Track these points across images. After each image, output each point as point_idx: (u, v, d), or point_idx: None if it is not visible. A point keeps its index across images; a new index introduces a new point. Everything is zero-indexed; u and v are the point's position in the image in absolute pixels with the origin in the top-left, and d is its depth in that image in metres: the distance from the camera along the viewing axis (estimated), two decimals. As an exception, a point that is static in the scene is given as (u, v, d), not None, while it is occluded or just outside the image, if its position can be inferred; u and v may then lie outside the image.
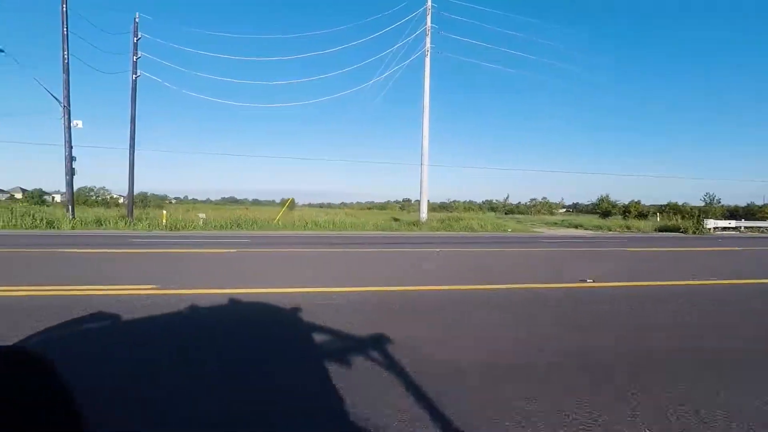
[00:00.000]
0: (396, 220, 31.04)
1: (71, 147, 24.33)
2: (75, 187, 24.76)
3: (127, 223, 22.18)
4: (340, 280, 6.78)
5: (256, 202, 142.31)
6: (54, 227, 20.86)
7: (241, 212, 35.19)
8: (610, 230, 27.54)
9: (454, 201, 73.35)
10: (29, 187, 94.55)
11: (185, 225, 22.73)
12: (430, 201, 31.88)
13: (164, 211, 23.58)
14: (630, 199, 50.65)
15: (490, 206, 77.94)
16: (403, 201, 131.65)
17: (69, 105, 24.59)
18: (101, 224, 22.03)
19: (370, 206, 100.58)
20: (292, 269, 8.20)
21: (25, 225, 20.51)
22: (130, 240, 13.96)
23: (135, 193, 26.24)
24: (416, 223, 27.25)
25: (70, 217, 23.13)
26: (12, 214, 21.41)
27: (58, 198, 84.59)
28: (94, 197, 78.86)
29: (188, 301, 5.13)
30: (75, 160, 24.59)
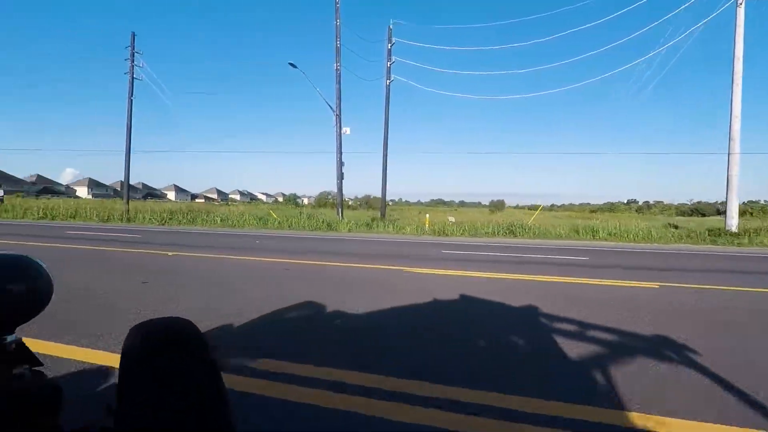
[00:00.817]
0: (674, 227, 22.87)
1: (341, 153, 24.76)
2: (316, 192, 25.43)
3: (396, 227, 21.01)
4: None
5: (462, 204, 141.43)
6: (333, 229, 21.09)
7: (464, 214, 32.54)
8: None
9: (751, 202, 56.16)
10: (287, 192, 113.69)
11: (444, 230, 20.35)
12: (673, 203, 22.44)
13: (427, 215, 21.79)
14: None
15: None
16: (628, 201, 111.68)
17: (340, 113, 25.17)
18: (370, 227, 21.47)
19: (593, 209, 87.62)
20: None
21: (310, 226, 21.25)
22: (439, 250, 11.61)
23: (359, 197, 26.06)
24: (722, 233, 18.37)
25: (340, 219, 23.43)
26: (300, 216, 22.64)
27: (305, 201, 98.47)
28: (331, 200, 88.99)
29: None
30: (344, 165, 25.01)
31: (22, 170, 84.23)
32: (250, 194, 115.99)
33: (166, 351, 1.15)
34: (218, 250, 10.24)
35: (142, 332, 1.21)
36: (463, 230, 19.94)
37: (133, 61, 28.37)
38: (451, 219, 27.96)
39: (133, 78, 28.20)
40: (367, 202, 78.15)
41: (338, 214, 24.71)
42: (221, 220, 22.60)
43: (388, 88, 26.92)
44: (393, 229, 20.58)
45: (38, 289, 1.30)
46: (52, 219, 24.53)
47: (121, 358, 1.20)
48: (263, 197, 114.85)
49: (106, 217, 24.30)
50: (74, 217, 24.69)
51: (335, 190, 25.91)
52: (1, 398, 1.09)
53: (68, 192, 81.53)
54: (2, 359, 1.19)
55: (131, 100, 27.96)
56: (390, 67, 27.07)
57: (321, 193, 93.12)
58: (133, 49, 28.53)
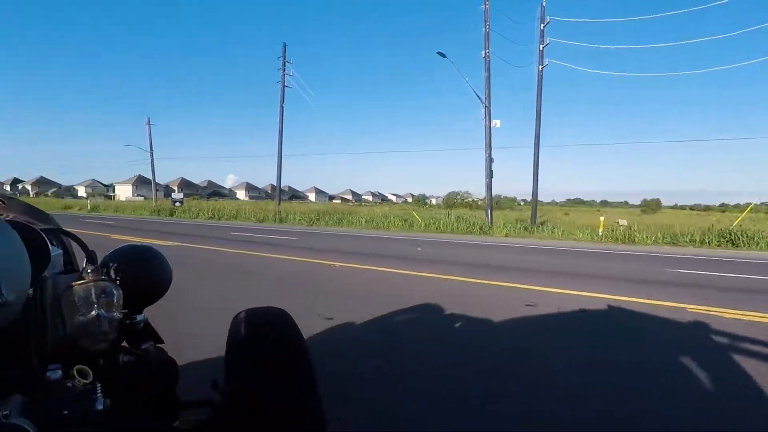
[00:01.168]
0: None
1: (491, 148, 22.12)
2: (443, 192, 22.87)
3: (562, 232, 17.61)
4: None
5: (605, 204, 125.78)
6: (485, 233, 18.65)
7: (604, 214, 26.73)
8: None
9: None
10: (415, 192, 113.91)
11: (630, 236, 16.28)
12: None
13: (602, 218, 17.95)
14: None
15: None
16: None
17: (490, 104, 22.56)
18: (529, 231, 18.45)
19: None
20: None
21: (460, 230, 19.12)
22: (661, 267, 8.38)
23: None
24: None
25: (489, 222, 20.83)
26: (448, 218, 20.66)
27: (434, 201, 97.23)
28: (459, 200, 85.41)
29: None
30: (493, 162, 22.33)
31: (197, 176, 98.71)
32: (381, 195, 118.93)
33: (269, 341, 1.29)
34: (384, 261, 8.60)
35: (247, 320, 1.37)
36: (655, 237, 15.71)
37: (284, 71, 29.47)
38: (623, 222, 23.44)
39: (284, 86, 29.31)
40: (496, 203, 73.05)
41: (487, 216, 22.10)
42: (366, 222, 21.78)
43: (540, 74, 23.51)
44: (559, 235, 17.26)
45: (161, 276, 1.50)
46: (218, 219, 26.61)
47: (228, 341, 1.35)
48: (393, 198, 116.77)
49: (261, 218, 25.48)
50: (236, 218, 26.43)
51: (464, 189, 23.58)
52: (133, 368, 1.21)
53: (230, 195, 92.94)
54: (133, 336, 1.33)
55: (282, 108, 29.03)
56: (543, 50, 23.57)
57: (450, 193, 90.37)
58: (284, 59, 29.66)
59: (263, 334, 1.32)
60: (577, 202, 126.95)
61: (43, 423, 0.84)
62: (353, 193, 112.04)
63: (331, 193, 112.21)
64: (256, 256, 9.22)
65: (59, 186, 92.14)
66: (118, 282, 1.20)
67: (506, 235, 17.71)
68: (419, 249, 11.20)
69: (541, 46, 23.28)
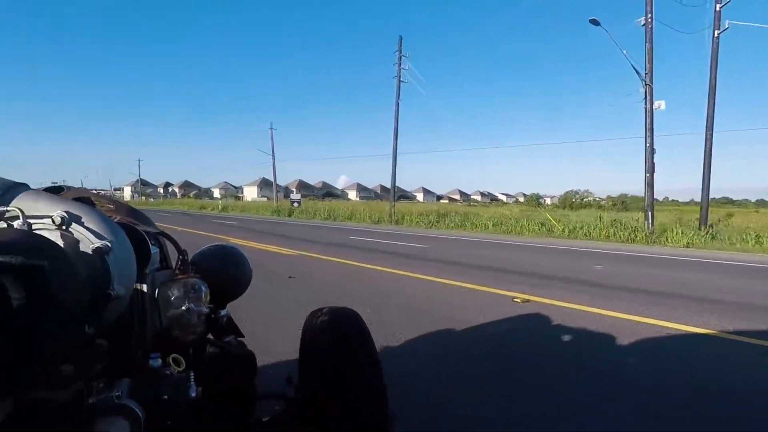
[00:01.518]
0: None
1: (652, 136, 17.73)
2: (558, 191, 18.44)
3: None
4: None
5: (761, 203, 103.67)
6: (650, 242, 14.63)
7: None
8: None
9: None
10: (527, 192, 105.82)
11: None
12: None
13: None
14: None
15: None
16: None
17: (652, 82, 18.13)
18: (720, 240, 13.97)
19: None
20: None
21: (619, 237, 15.30)
22: None
23: (613, 195, 16.96)
24: None
25: (649, 227, 16.53)
26: (600, 222, 16.84)
27: (548, 201, 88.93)
28: (578, 200, 76.10)
29: None
30: (655, 152, 17.87)
31: (312, 178, 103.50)
32: (491, 194, 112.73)
33: (340, 342, 1.33)
34: (577, 287, 5.93)
35: (324, 320, 1.41)
36: None
37: (399, 65, 27.71)
38: None
39: (400, 82, 27.56)
40: (623, 202, 63.15)
41: (647, 219, 17.68)
42: (493, 225, 18.90)
43: (716, 40, 18.40)
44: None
45: (242, 276, 1.60)
46: (334, 220, 25.91)
47: (302, 339, 1.46)
48: (503, 198, 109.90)
49: (376, 219, 24.08)
50: (350, 218, 25.45)
51: (583, 188, 19.38)
52: (218, 359, 1.28)
53: (342, 195, 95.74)
54: (217, 329, 1.39)
55: (398, 104, 27.23)
56: (720, 10, 18.41)
57: (567, 193, 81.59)
58: (400, 52, 27.90)
59: (335, 333, 1.35)
60: (725, 202, 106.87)
61: (146, 405, 0.89)
62: (461, 193, 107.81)
63: (438, 192, 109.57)
64: (396, 275, 7.20)
65: (199, 188, 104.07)
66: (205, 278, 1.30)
67: (687, 245, 13.53)
68: (599, 267, 8.20)
69: (718, 6, 18.16)
